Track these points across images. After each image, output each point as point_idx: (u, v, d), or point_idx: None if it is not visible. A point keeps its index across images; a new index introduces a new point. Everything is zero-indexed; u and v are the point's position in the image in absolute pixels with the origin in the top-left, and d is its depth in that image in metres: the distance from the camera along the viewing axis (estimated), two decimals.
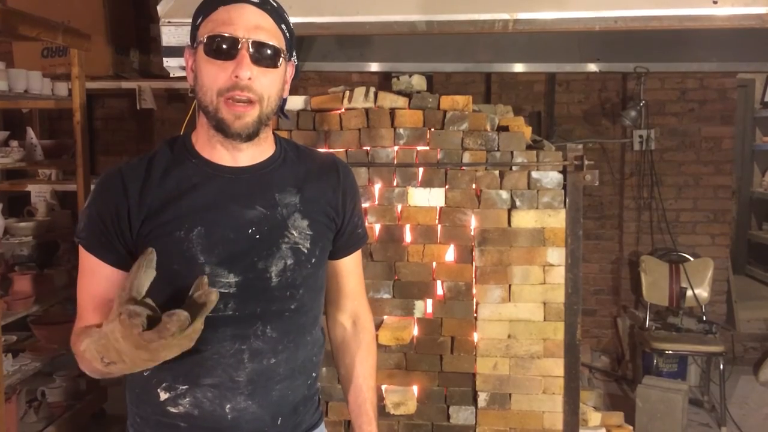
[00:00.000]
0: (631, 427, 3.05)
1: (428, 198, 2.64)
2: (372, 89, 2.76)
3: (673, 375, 4.25)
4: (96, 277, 1.22)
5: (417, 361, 2.67)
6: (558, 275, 2.62)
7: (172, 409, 1.23)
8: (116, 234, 1.20)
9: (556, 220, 2.61)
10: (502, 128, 2.71)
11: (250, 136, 1.21)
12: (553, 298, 2.62)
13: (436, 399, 2.68)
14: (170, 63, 2.52)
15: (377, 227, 2.67)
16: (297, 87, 4.48)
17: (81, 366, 1.18)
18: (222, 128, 1.20)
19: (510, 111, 3.14)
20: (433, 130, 2.65)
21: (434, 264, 2.65)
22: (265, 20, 1.20)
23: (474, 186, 2.64)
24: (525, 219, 2.62)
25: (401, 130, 2.66)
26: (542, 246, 2.62)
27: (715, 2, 2.32)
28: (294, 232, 1.26)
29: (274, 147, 1.34)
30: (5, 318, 3.02)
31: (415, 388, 2.69)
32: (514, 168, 2.62)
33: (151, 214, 1.19)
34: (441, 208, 2.65)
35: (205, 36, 1.18)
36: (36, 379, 3.42)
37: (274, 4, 1.23)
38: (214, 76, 1.17)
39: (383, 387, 2.67)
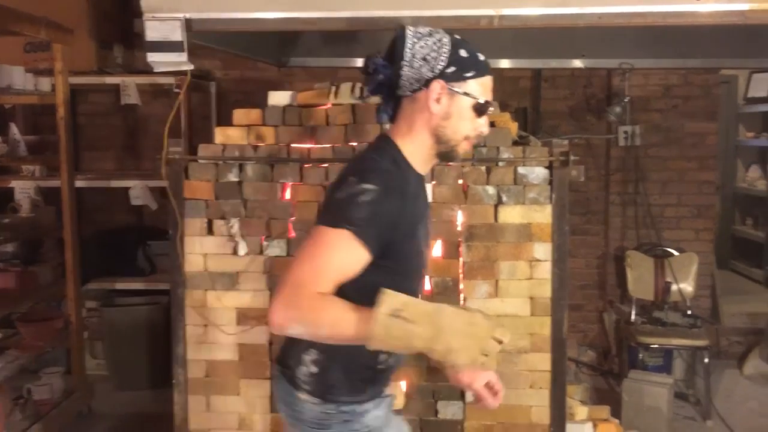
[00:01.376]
0: (617, 421, 3.08)
1: None
2: (359, 85, 2.76)
3: (658, 369, 4.29)
4: (352, 261, 1.44)
5: (405, 357, 2.67)
6: (545, 270, 2.63)
7: (381, 366, 1.64)
8: (388, 232, 1.46)
9: (543, 215, 2.62)
10: (489, 124, 2.71)
11: None
12: (540, 293, 2.64)
13: (424, 394, 2.68)
14: (154, 58, 2.49)
15: None
16: (283, 83, 4.46)
17: (314, 328, 1.39)
18: (449, 157, 1.62)
19: (496, 106, 3.15)
20: None
21: None
22: None
23: (461, 181, 2.64)
24: (511, 214, 2.63)
25: (387, 126, 2.65)
26: (529, 241, 2.63)
27: None
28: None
29: None
30: None
31: (403, 384, 2.69)
32: (500, 163, 2.63)
33: (406, 216, 1.51)
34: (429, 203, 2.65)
35: (481, 98, 1.55)
36: (22, 376, 3.40)
37: None
38: (474, 124, 1.57)
39: None
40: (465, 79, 1.52)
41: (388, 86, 1.57)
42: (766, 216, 6.39)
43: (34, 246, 3.93)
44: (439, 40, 1.52)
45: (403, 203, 1.49)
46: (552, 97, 4.74)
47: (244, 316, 2.74)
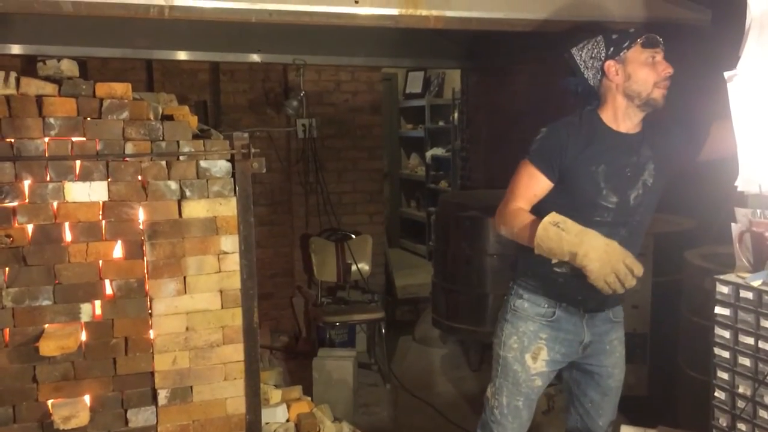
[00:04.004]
0: (309, 398, 3.25)
1: (89, 193, 2.45)
2: (13, 74, 2.46)
3: (344, 344, 4.63)
4: (532, 182, 2.11)
5: (87, 369, 2.48)
6: (233, 262, 2.65)
7: (558, 270, 2.13)
8: (557, 158, 2.08)
9: (228, 208, 2.63)
10: (167, 117, 2.63)
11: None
12: (230, 285, 2.65)
13: (112, 405, 2.52)
14: None
15: (30, 228, 2.40)
16: None
17: (505, 228, 2.10)
18: (651, 105, 2.09)
19: (174, 100, 3.07)
20: (89, 119, 2.46)
21: (101, 263, 2.48)
22: None
23: (140, 177, 2.52)
24: (196, 209, 2.59)
25: (52, 120, 2.42)
26: (215, 235, 2.62)
27: (356, 2, 2.55)
28: (646, 173, 2.12)
29: (641, 126, 2.16)
30: None
31: (87, 398, 2.50)
32: (181, 158, 2.57)
33: (577, 149, 2.08)
34: (104, 202, 2.48)
35: (638, 58, 2.08)
36: None
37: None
38: (649, 75, 2.07)
39: (49, 402, 2.43)
40: (625, 50, 2.06)
41: (586, 88, 2.16)
42: (425, 198, 7.28)
43: None
44: (594, 40, 2.12)
45: (572, 138, 2.07)
46: (232, 90, 4.78)
47: None
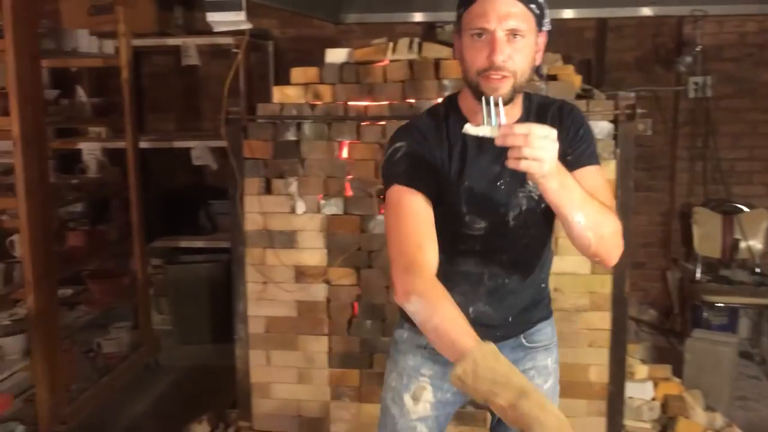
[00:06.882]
0: (678, 380, 3.03)
1: None
2: (416, 40, 2.71)
3: (723, 328, 4.18)
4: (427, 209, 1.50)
5: None
6: None
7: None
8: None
9: (606, 171, 2.54)
10: (551, 77, 2.64)
11: (505, 102, 1.41)
12: None
13: None
14: (213, 18, 2.50)
15: None
16: (340, 40, 4.42)
17: (422, 321, 1.37)
18: (479, 96, 1.41)
19: (559, 59, 3.05)
20: None
21: None
22: (514, 6, 1.39)
23: None
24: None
25: (446, 81, 2.61)
26: None
27: None
28: (530, 182, 1.49)
29: (521, 110, 1.54)
30: (61, 272, 3.12)
31: None
32: None
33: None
34: None
35: (467, 28, 1.42)
36: (92, 330, 3.56)
37: None
38: (474, 58, 1.42)
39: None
40: (459, 19, 1.47)
41: None
42: None
43: (102, 206, 4.06)
44: None
45: (433, 143, 1.52)
46: (618, 47, 4.57)
47: (302, 274, 2.78)
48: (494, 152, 1.42)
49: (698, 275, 4.25)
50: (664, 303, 4.74)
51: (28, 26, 2.69)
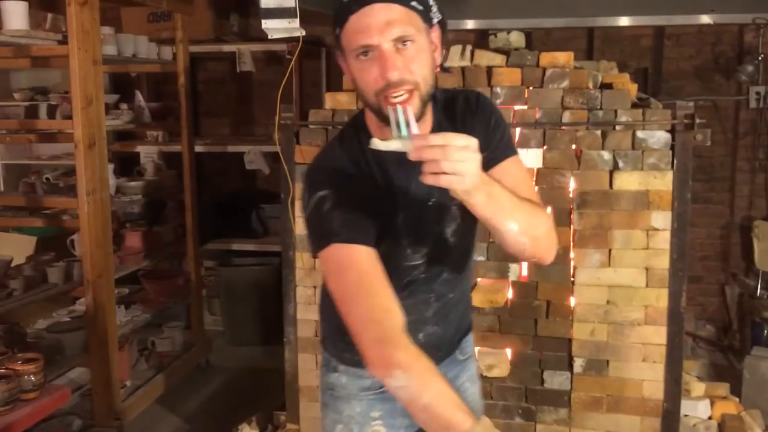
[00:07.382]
0: (737, 399, 2.93)
1: (525, 159, 2.57)
2: (468, 47, 2.70)
3: None
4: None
5: (511, 325, 2.64)
6: (663, 240, 2.50)
7: None
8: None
9: (663, 182, 2.48)
10: (606, 86, 2.59)
11: (417, 118, 1.24)
12: (657, 264, 2.51)
13: (530, 363, 2.65)
14: (268, 25, 2.54)
15: None
16: None
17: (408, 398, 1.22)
18: (385, 121, 1.22)
19: (614, 67, 3.00)
20: (531, 88, 2.57)
21: None
22: (393, 12, 1.22)
23: (574, 146, 2.54)
24: (628, 181, 2.51)
25: (498, 89, 2.59)
26: (646, 209, 2.50)
27: None
28: None
29: (432, 115, 1.38)
30: (118, 272, 3.21)
31: (508, 351, 2.67)
32: (617, 127, 2.51)
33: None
34: (538, 169, 2.58)
35: (349, 48, 1.26)
36: (146, 329, 3.65)
37: None
38: (367, 80, 1.26)
39: (476, 349, 2.67)
40: (339, 39, 1.29)
41: None
42: None
43: (158, 207, 4.16)
44: None
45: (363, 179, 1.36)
46: (675, 56, 4.46)
47: None
48: (416, 167, 1.14)
49: (759, 291, 4.11)
50: (723, 319, 4.59)
51: (91, 33, 2.78)
